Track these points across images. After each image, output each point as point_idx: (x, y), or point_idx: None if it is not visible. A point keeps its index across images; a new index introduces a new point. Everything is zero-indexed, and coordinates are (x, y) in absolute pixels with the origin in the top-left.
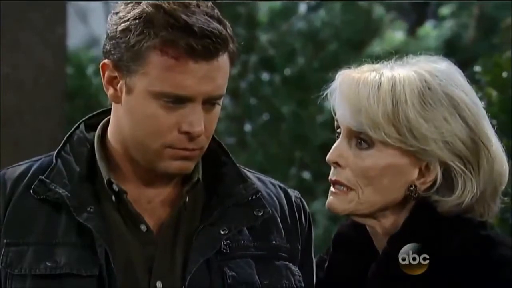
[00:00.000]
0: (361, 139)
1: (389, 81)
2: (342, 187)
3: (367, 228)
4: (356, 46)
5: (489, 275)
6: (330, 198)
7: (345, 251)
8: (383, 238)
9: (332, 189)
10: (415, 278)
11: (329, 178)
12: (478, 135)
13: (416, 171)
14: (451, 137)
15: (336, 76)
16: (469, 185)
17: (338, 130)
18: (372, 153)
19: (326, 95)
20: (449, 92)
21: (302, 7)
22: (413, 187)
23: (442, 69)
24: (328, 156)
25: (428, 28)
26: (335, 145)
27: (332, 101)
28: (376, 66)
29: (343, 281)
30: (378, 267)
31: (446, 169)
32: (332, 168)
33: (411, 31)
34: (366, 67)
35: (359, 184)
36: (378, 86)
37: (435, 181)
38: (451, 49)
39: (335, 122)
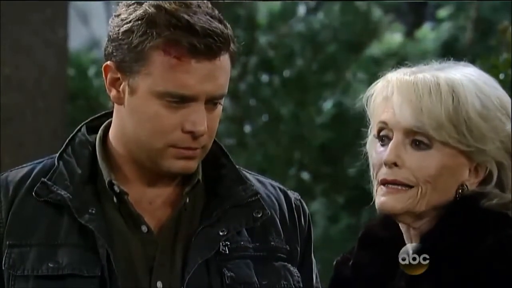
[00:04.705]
0: (417, 140)
1: (447, 81)
2: (399, 186)
3: (401, 227)
4: (354, 48)
5: None
6: (383, 198)
7: (374, 250)
8: (417, 237)
9: (384, 188)
10: (442, 276)
11: (383, 178)
12: None
13: (467, 172)
14: (505, 137)
15: (385, 82)
16: None
17: (381, 133)
18: (430, 153)
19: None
20: (496, 94)
21: (301, 9)
22: (464, 186)
23: (481, 73)
24: (386, 157)
25: (426, 30)
26: (391, 146)
27: (372, 105)
28: (414, 69)
29: (372, 279)
30: None
31: (499, 169)
32: (386, 169)
33: (409, 33)
34: (405, 70)
35: (419, 182)
36: (437, 86)
37: (482, 181)
38: (448, 51)
39: (376, 127)
